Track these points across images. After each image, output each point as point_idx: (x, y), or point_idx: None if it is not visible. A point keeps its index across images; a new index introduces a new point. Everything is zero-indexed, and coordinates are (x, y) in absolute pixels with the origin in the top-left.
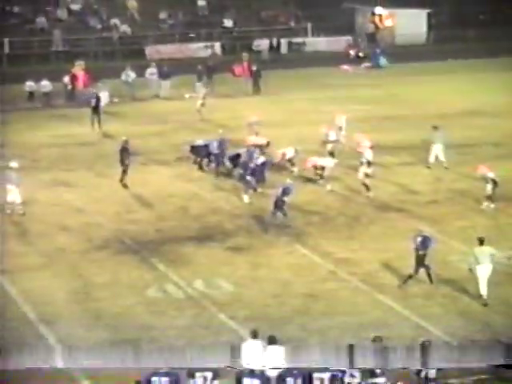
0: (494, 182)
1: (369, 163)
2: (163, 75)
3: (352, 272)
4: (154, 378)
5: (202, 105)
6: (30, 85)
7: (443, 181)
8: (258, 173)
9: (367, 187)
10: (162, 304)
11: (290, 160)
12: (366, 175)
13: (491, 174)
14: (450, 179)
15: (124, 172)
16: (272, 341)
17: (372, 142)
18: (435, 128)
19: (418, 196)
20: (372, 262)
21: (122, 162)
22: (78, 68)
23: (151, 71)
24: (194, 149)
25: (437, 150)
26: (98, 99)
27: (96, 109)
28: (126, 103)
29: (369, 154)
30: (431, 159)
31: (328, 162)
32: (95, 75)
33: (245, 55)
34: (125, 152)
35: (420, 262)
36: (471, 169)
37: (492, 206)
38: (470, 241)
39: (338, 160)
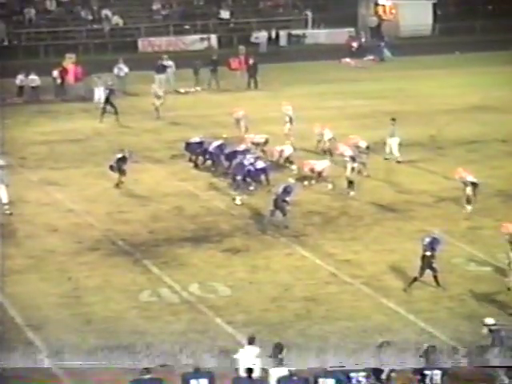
0: (474, 185)
1: (353, 159)
2: (158, 69)
3: (354, 275)
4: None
5: (161, 104)
6: (21, 79)
7: (450, 179)
8: (255, 175)
9: (352, 184)
10: (156, 308)
11: (287, 158)
12: (353, 169)
13: (471, 178)
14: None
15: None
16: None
17: (367, 142)
18: (393, 121)
19: (424, 195)
20: (375, 264)
21: (112, 168)
22: (69, 61)
23: (166, 64)
24: (189, 146)
25: (392, 144)
26: (111, 91)
27: (108, 101)
28: (117, 98)
29: (348, 152)
30: (387, 151)
31: (325, 164)
32: (86, 69)
33: (241, 48)
34: (121, 162)
35: (426, 263)
36: (479, 167)
37: (469, 208)
38: (479, 242)
39: (336, 158)
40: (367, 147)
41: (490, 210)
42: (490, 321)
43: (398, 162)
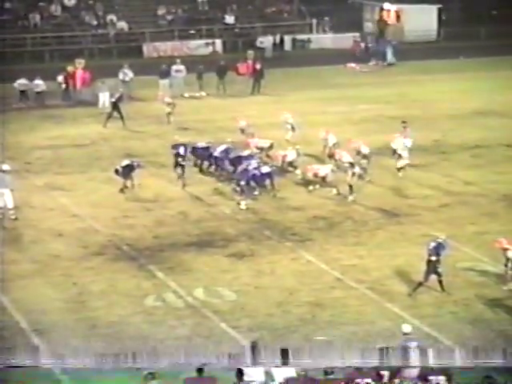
0: None
1: (352, 164)
2: (162, 74)
3: (359, 279)
4: None
5: (171, 111)
6: (21, 83)
7: (455, 184)
8: (260, 180)
9: (351, 189)
10: (161, 313)
11: (291, 163)
12: (353, 174)
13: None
14: (461, 182)
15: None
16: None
17: (371, 147)
18: (404, 123)
19: (429, 200)
20: (380, 269)
21: (117, 172)
22: (79, 66)
23: (177, 68)
24: (195, 151)
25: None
26: (120, 97)
27: (116, 104)
28: (123, 103)
29: (347, 158)
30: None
31: (328, 169)
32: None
33: (250, 53)
34: (127, 169)
35: (431, 268)
36: (484, 171)
37: None
38: (484, 247)
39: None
40: (368, 152)
41: (494, 214)
42: (406, 328)
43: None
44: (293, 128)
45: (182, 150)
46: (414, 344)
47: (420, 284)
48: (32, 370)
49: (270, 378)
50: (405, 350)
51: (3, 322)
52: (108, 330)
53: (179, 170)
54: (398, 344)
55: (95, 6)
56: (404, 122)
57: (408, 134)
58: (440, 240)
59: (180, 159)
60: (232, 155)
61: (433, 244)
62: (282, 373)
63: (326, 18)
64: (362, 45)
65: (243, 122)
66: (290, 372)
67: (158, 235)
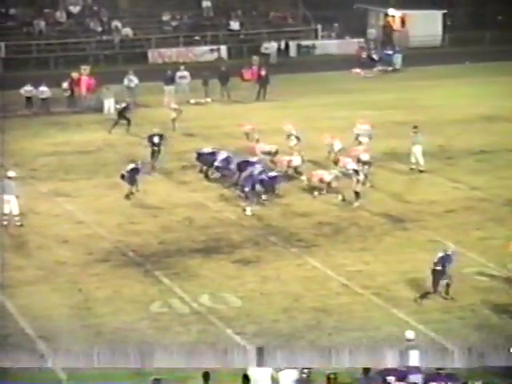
0: None
1: (356, 171)
2: (167, 80)
3: (365, 285)
4: None
5: (176, 117)
6: (27, 90)
7: (460, 190)
8: (268, 185)
9: (357, 195)
10: (167, 319)
11: (296, 168)
12: (358, 181)
13: None
14: (467, 187)
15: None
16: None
17: (374, 152)
18: (415, 128)
19: (434, 205)
20: (386, 275)
21: (123, 177)
22: (84, 72)
23: (182, 74)
24: (201, 156)
25: (416, 152)
26: (126, 107)
27: (122, 113)
28: (128, 109)
29: (351, 165)
30: (412, 160)
31: (334, 175)
32: (97, 80)
33: (255, 59)
34: (133, 172)
35: (436, 278)
36: (489, 176)
37: None
38: (490, 252)
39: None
40: (368, 159)
41: (500, 220)
42: (409, 334)
43: (421, 171)
44: (298, 138)
45: (156, 139)
46: (416, 350)
47: (428, 293)
48: (37, 375)
49: (276, 382)
50: (407, 356)
51: (9, 328)
52: (113, 336)
53: (153, 157)
54: (401, 349)
55: (100, 13)
56: (415, 128)
57: (419, 140)
58: (449, 252)
59: (155, 148)
60: (239, 160)
61: (440, 254)
62: (287, 375)
63: (336, 25)
64: (367, 51)
65: (249, 126)
66: (294, 374)
67: (164, 241)
